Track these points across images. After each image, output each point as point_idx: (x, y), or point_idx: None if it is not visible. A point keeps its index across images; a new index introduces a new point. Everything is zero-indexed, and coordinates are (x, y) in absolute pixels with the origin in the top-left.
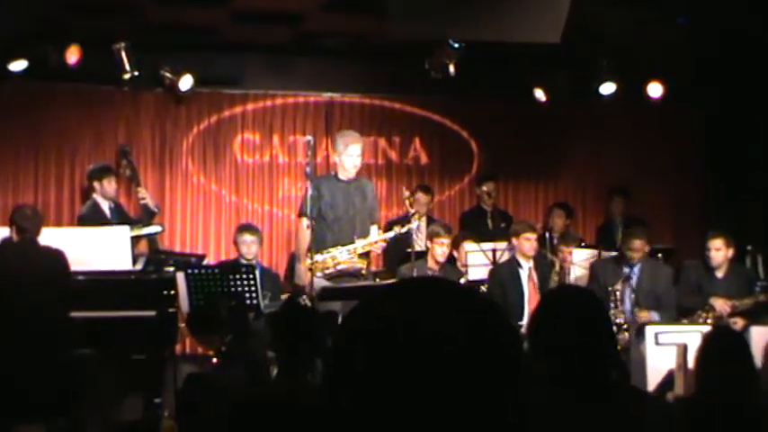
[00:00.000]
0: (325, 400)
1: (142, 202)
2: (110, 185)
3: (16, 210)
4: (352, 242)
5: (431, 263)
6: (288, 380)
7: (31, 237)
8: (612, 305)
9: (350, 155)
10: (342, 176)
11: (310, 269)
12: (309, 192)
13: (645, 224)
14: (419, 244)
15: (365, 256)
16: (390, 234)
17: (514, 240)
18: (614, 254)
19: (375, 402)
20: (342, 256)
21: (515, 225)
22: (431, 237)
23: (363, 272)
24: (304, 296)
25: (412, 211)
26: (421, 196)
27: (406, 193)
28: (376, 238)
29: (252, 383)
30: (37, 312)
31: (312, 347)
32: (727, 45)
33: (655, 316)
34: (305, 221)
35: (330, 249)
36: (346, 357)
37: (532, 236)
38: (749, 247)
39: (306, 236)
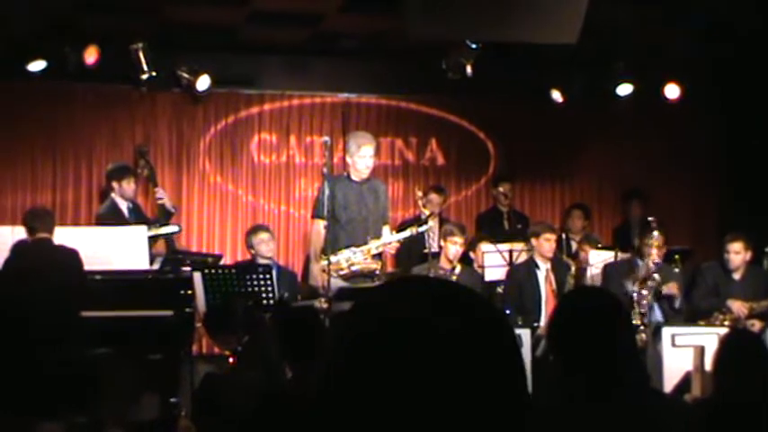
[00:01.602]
0: (327, 403)
1: (159, 202)
2: (129, 186)
3: (27, 211)
4: (366, 243)
5: (443, 262)
6: (303, 381)
7: (44, 236)
8: (636, 307)
9: (362, 156)
10: (354, 177)
11: (324, 270)
12: (327, 192)
13: (662, 225)
14: (431, 244)
15: (378, 257)
16: (405, 234)
17: (533, 241)
18: (628, 255)
19: (386, 406)
20: (356, 258)
21: (535, 226)
22: (444, 236)
23: (378, 273)
24: (321, 297)
25: (426, 212)
26: (434, 197)
27: (419, 194)
28: (390, 239)
29: (268, 384)
30: (52, 311)
31: (320, 349)
32: (746, 46)
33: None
34: (320, 223)
35: (344, 250)
36: (352, 364)
37: (552, 237)
38: (766, 249)
39: (320, 237)
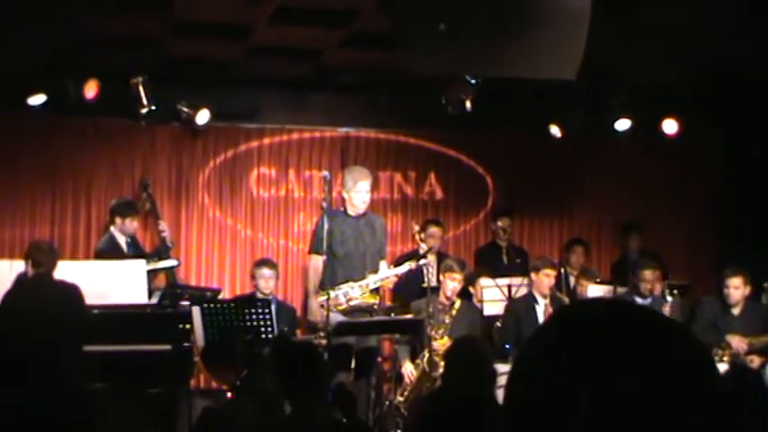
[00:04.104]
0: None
1: (163, 234)
2: (131, 224)
3: (32, 244)
4: (364, 278)
5: (441, 297)
6: (301, 415)
7: (46, 271)
8: None
9: (359, 191)
10: (351, 212)
11: (322, 305)
12: (325, 227)
13: (659, 259)
14: (430, 279)
15: (376, 291)
16: (403, 269)
17: (533, 276)
18: (626, 289)
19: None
20: (354, 292)
21: (535, 261)
22: (444, 271)
23: (375, 307)
24: (320, 332)
25: (422, 245)
26: (435, 230)
27: (416, 228)
28: (387, 274)
29: (266, 419)
30: (51, 347)
31: (319, 384)
32: (744, 81)
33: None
34: (318, 258)
35: (342, 285)
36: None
37: (552, 272)
38: (765, 284)
39: (318, 272)
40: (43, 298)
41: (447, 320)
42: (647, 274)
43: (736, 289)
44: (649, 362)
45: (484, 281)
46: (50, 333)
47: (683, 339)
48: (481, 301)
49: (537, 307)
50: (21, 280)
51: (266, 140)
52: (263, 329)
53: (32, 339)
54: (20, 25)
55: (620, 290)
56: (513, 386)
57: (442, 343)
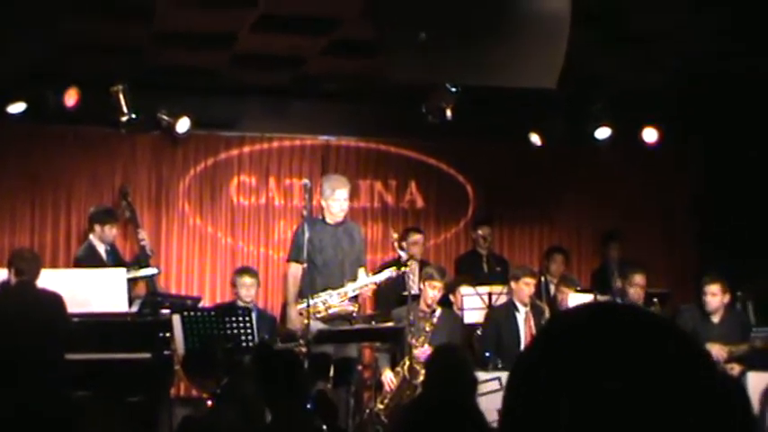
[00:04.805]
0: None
1: (142, 242)
2: (110, 231)
3: (15, 252)
4: (342, 286)
5: (422, 305)
6: (282, 423)
7: (28, 279)
8: None
9: (336, 199)
10: (329, 220)
11: (301, 313)
12: (306, 235)
13: (642, 267)
14: (411, 286)
15: (355, 299)
16: (382, 276)
17: (513, 284)
18: (607, 298)
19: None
20: (332, 300)
21: (515, 269)
22: (424, 279)
23: (355, 315)
24: (300, 340)
25: (402, 253)
26: (418, 238)
27: (395, 236)
28: (366, 281)
29: (247, 427)
30: (34, 355)
31: (299, 391)
32: (724, 90)
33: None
34: (296, 266)
35: (321, 293)
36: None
37: (531, 280)
38: (739, 293)
39: (296, 280)
40: (27, 305)
41: (427, 328)
42: (638, 277)
43: (714, 296)
44: (638, 361)
45: (464, 289)
46: (34, 339)
47: (676, 336)
48: (461, 310)
49: (517, 315)
50: (4, 288)
51: (246, 149)
52: (243, 337)
53: (16, 345)
54: (7, 30)
55: (601, 298)
56: (503, 410)
57: (422, 351)
